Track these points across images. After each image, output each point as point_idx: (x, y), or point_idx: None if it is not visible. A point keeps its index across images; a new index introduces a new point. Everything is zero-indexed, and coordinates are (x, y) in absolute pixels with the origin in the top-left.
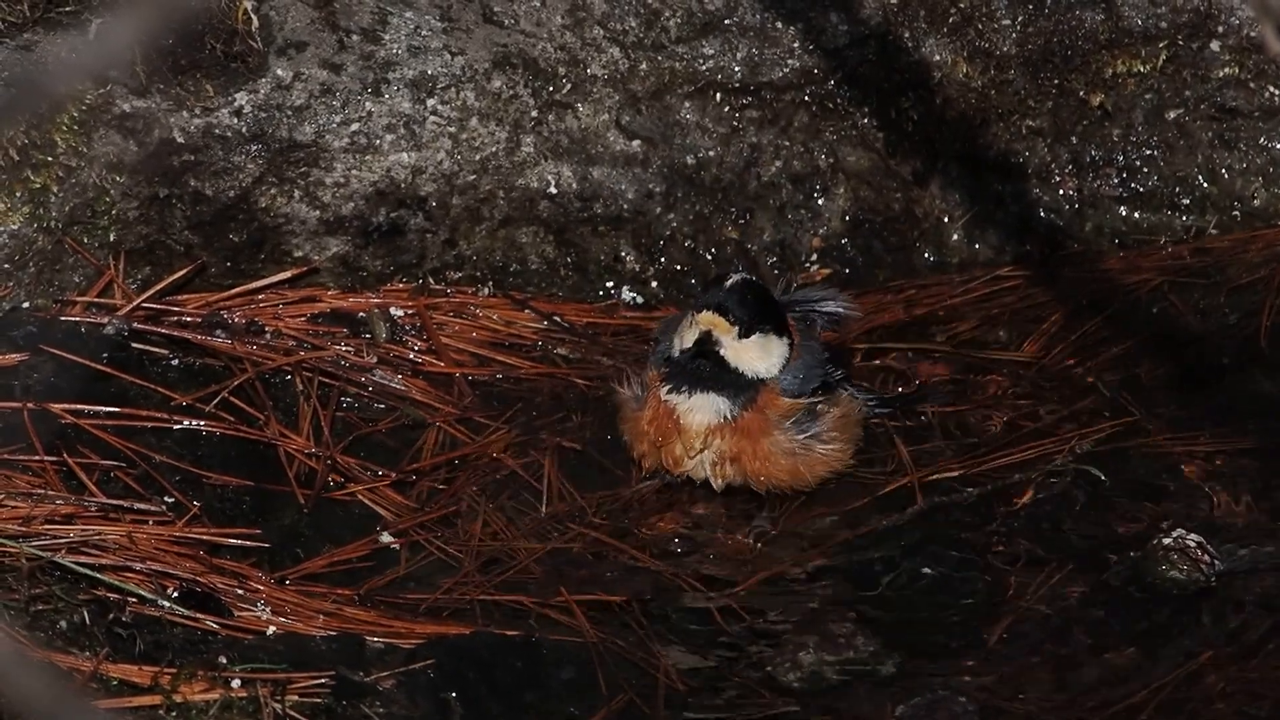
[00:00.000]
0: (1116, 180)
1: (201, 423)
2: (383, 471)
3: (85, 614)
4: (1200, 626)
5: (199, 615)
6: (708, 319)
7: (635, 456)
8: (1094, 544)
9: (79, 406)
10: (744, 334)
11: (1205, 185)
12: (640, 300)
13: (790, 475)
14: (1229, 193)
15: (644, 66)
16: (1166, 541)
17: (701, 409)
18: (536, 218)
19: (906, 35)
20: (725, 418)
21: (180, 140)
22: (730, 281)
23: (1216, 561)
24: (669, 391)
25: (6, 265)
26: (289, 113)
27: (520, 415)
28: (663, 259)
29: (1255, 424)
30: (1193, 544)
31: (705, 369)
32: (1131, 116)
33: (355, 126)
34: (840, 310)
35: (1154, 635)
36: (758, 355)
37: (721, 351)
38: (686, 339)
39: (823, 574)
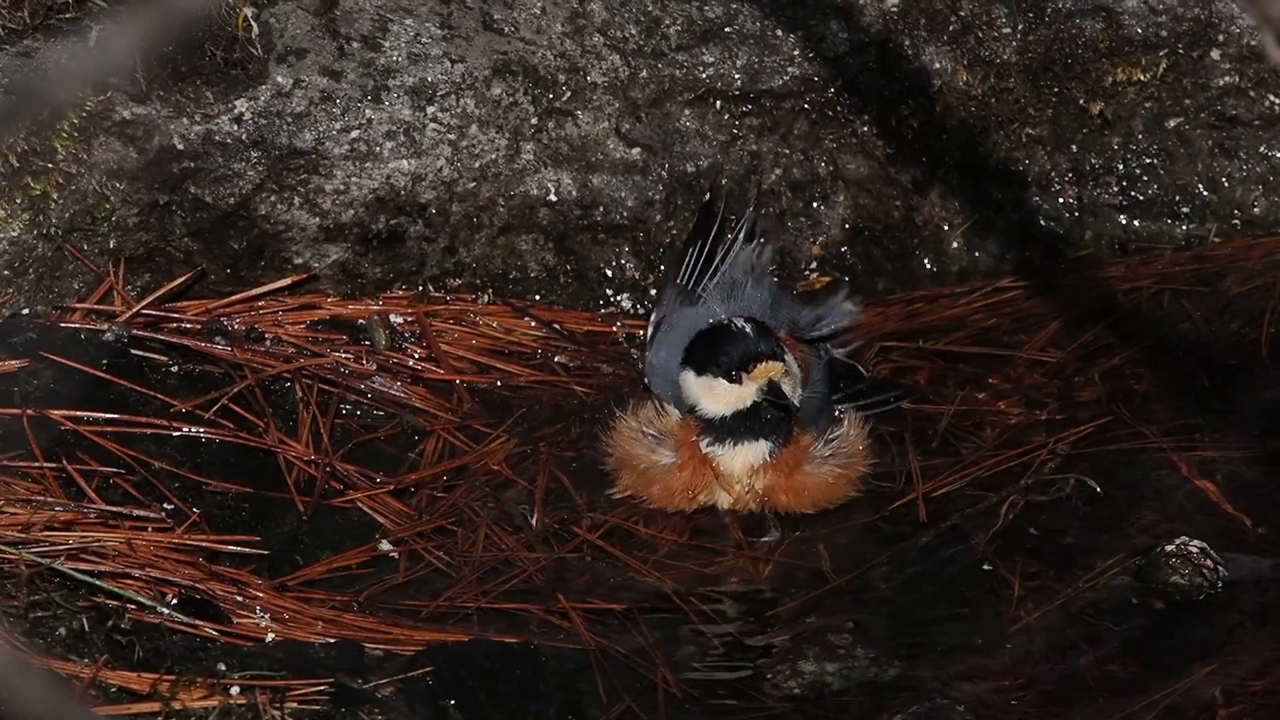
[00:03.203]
0: (1116, 188)
1: (201, 429)
2: (382, 479)
3: (84, 621)
4: (1203, 634)
5: (198, 622)
6: (766, 370)
7: (644, 498)
8: (1096, 551)
9: (78, 413)
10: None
11: (1205, 193)
12: (640, 308)
13: (813, 505)
14: (1229, 201)
15: (644, 74)
16: (1169, 548)
17: (745, 454)
18: (536, 225)
19: (907, 43)
20: (767, 457)
21: (180, 147)
22: (748, 326)
23: (1220, 568)
24: (709, 444)
25: (6, 272)
26: (289, 120)
27: (520, 423)
28: (662, 267)
29: (1258, 431)
30: (1195, 550)
31: (775, 418)
32: (1131, 125)
33: (355, 134)
34: (843, 323)
35: (1156, 643)
36: (792, 383)
37: (790, 397)
38: (745, 397)
39: (825, 584)
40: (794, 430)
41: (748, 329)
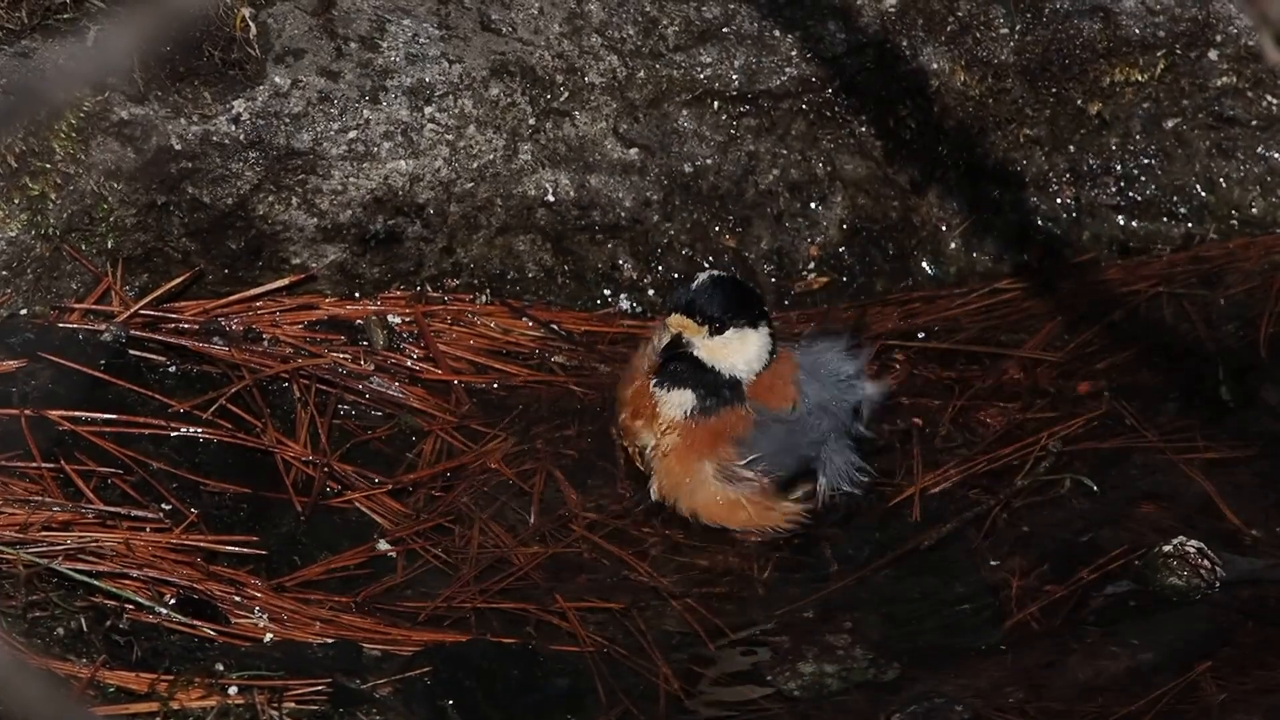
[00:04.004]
0: (1114, 189)
1: (199, 430)
2: (380, 479)
3: (82, 621)
4: (1200, 635)
5: (196, 622)
6: (676, 321)
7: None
8: (1094, 550)
9: (76, 413)
10: (715, 332)
11: (1203, 194)
12: (638, 309)
13: (704, 510)
14: (1227, 201)
15: (642, 74)
16: (1167, 548)
17: (676, 403)
18: (534, 226)
19: (904, 44)
20: (688, 413)
21: (178, 147)
22: (698, 281)
23: (1218, 568)
24: (655, 384)
25: (4, 272)
26: (287, 120)
27: (518, 423)
28: (660, 267)
29: (1255, 431)
30: (1193, 551)
31: (682, 369)
32: (1129, 125)
33: (353, 134)
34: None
35: (1153, 643)
36: (735, 350)
37: (695, 352)
38: (660, 340)
39: (824, 584)
40: (723, 408)
41: (695, 281)
